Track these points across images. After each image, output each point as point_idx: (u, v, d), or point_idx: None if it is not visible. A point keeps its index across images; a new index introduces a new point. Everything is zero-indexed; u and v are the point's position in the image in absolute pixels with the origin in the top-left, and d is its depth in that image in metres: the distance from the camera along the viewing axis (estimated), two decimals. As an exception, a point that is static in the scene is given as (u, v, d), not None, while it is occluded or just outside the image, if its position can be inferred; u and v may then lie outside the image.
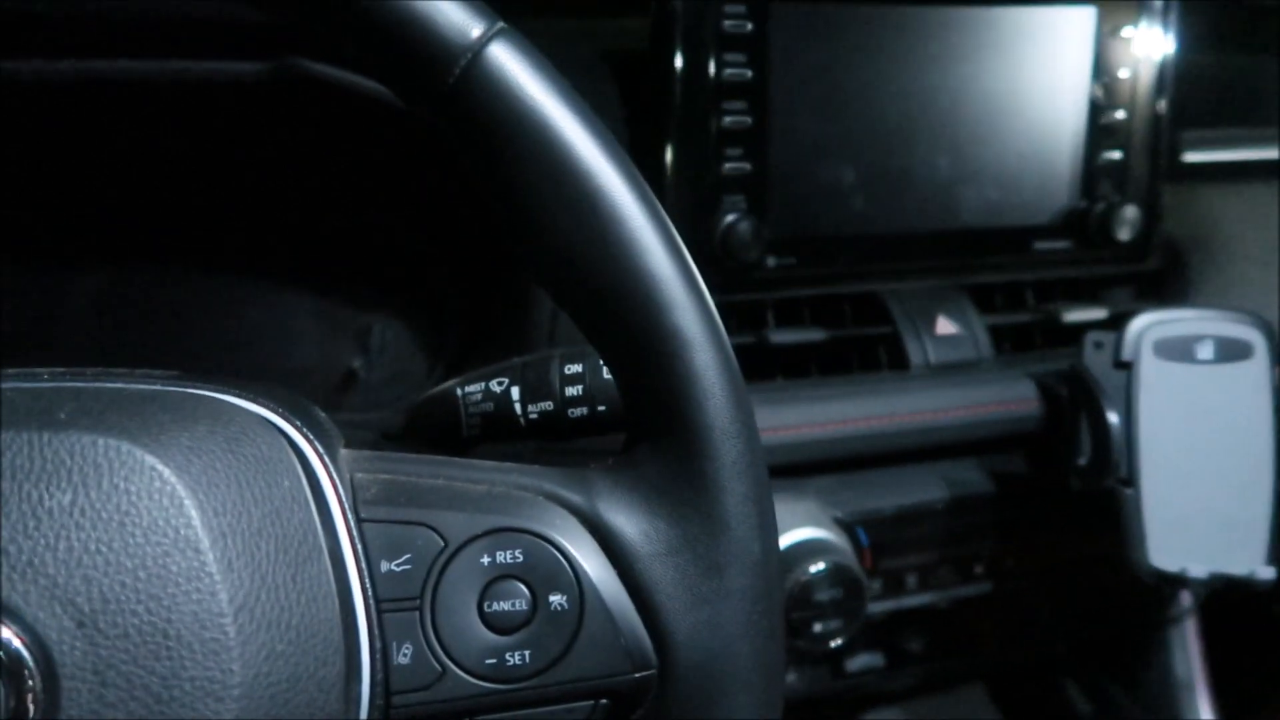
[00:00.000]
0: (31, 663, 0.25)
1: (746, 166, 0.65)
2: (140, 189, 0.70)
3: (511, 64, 0.31)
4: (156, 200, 0.71)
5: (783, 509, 0.62)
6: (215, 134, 0.67)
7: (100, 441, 0.27)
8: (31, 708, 0.25)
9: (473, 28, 0.30)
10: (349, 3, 0.30)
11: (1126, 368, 0.60)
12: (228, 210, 0.72)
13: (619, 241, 0.31)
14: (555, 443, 0.47)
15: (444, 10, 0.30)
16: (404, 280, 0.76)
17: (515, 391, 0.45)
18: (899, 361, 0.70)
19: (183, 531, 0.27)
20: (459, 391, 0.46)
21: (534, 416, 0.45)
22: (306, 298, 0.75)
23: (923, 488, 0.68)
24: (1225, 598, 0.70)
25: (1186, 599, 0.73)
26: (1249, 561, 0.58)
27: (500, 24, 0.31)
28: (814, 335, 0.69)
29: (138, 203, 0.70)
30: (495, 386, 0.45)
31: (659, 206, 0.32)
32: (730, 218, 0.65)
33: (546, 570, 0.31)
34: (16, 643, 0.25)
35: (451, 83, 0.30)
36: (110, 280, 0.71)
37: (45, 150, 0.65)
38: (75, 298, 0.71)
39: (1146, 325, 0.60)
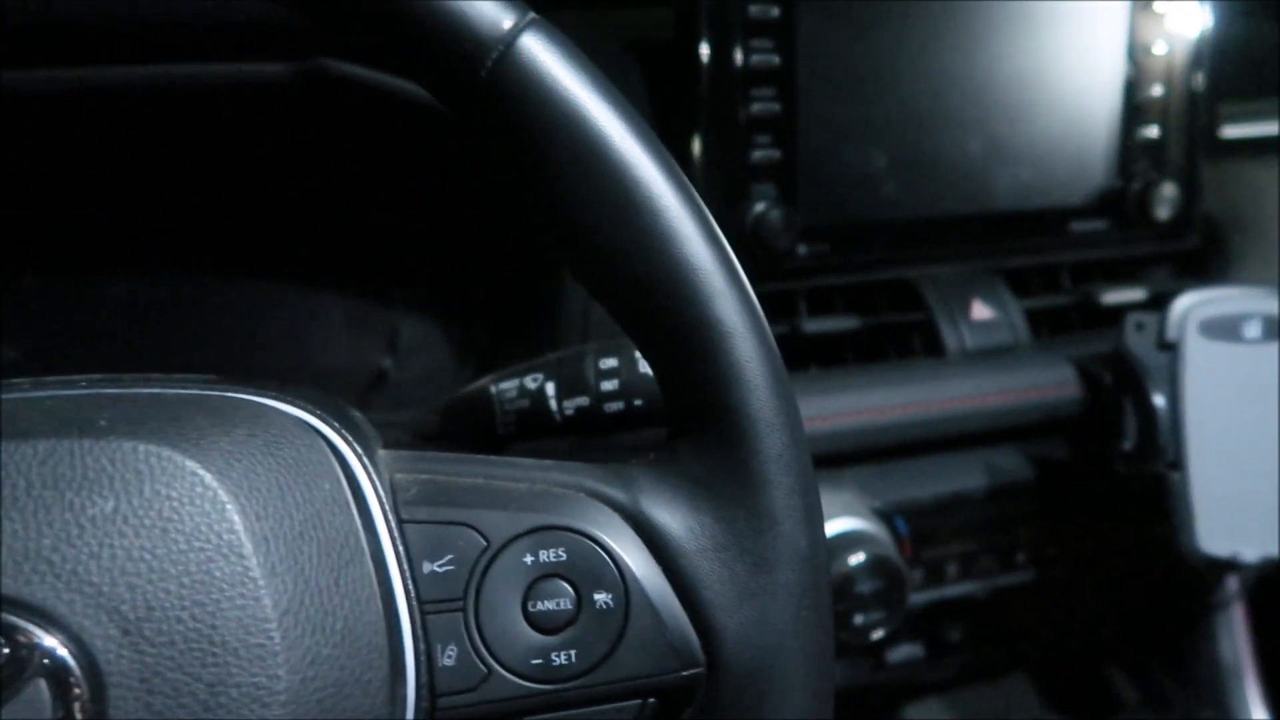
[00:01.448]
0: (78, 671, 0.25)
1: (776, 154, 0.65)
2: (168, 194, 0.70)
3: (544, 55, 0.30)
4: (185, 205, 0.71)
5: (820, 500, 0.62)
6: (242, 137, 0.67)
7: (141, 448, 0.27)
8: (79, 715, 0.25)
9: (504, 19, 0.30)
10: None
11: (1171, 348, 0.59)
12: (256, 213, 0.72)
13: (657, 232, 0.30)
14: (592, 438, 0.46)
15: (475, 3, 0.30)
16: (432, 279, 0.76)
17: (550, 388, 0.45)
18: (934, 348, 0.69)
19: (225, 537, 0.27)
20: (493, 389, 0.46)
21: (570, 412, 0.44)
22: (335, 299, 0.75)
23: (962, 475, 0.67)
24: (1274, 582, 0.69)
25: (1234, 584, 0.72)
26: (1302, 545, 0.57)
27: (531, 15, 0.31)
28: (848, 323, 0.68)
29: (166, 208, 0.70)
30: (530, 383, 0.45)
31: (696, 196, 0.32)
32: (760, 206, 0.64)
33: (590, 568, 0.31)
34: (63, 651, 0.25)
35: (484, 76, 0.30)
36: (140, 286, 0.71)
37: (72, 157, 0.65)
38: (106, 304, 0.71)
39: (1191, 305, 0.59)
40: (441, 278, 0.76)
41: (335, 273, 0.75)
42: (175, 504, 0.27)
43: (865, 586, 0.57)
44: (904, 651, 0.71)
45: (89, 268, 0.71)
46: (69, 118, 0.62)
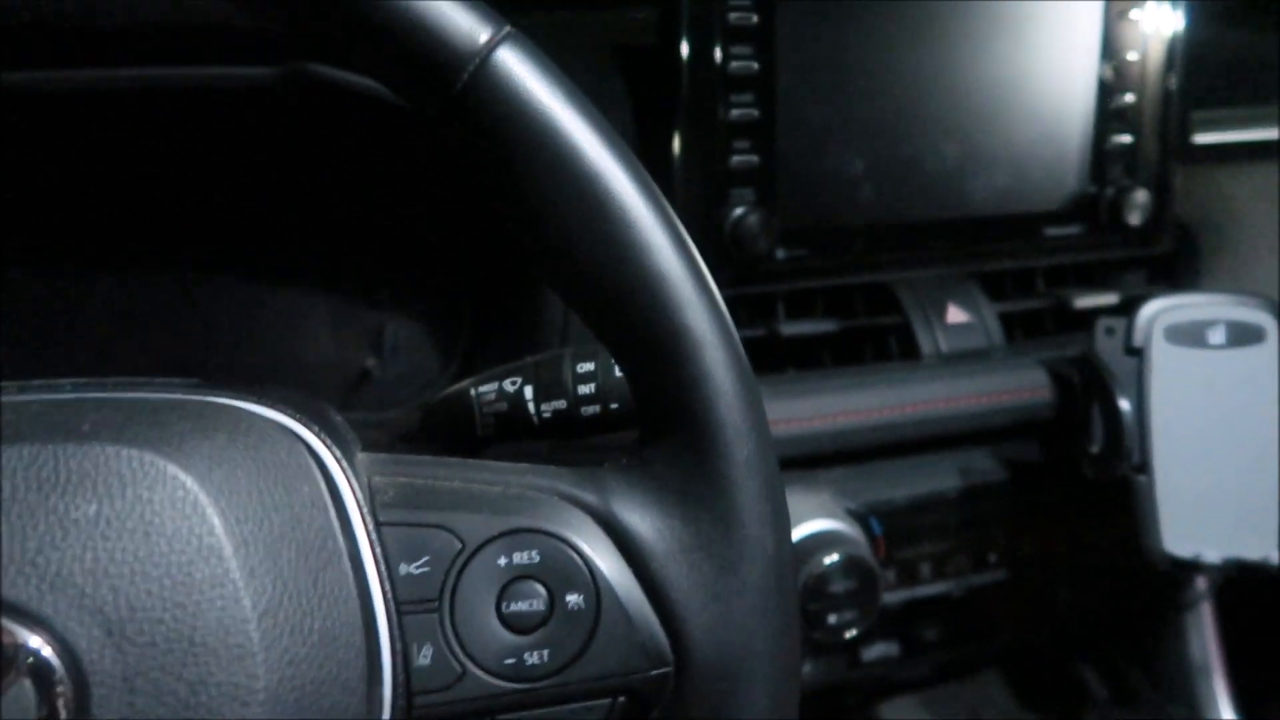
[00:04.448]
0: (62, 670, 0.26)
1: (755, 159, 0.65)
2: (154, 193, 0.70)
3: (519, 68, 0.31)
4: (171, 204, 0.71)
5: (795, 501, 0.63)
6: (227, 138, 0.68)
7: (124, 452, 0.28)
8: (64, 714, 0.26)
9: (480, 33, 0.30)
10: (354, 9, 0.30)
11: (1138, 354, 0.60)
12: (242, 213, 0.72)
13: (628, 243, 0.31)
14: (569, 440, 0.47)
15: (451, 15, 0.30)
16: (417, 279, 0.76)
17: (528, 391, 0.45)
18: (910, 351, 0.70)
19: (205, 540, 0.27)
20: (473, 392, 0.47)
21: (547, 415, 0.45)
22: (320, 298, 0.75)
23: (935, 477, 0.68)
24: (1242, 582, 0.70)
25: (1202, 584, 0.73)
26: (1263, 546, 0.58)
27: (508, 28, 0.31)
28: (825, 326, 0.69)
29: (152, 207, 0.71)
30: (509, 386, 0.46)
31: (668, 207, 0.32)
32: (739, 210, 0.65)
33: (563, 570, 0.32)
34: (47, 650, 0.26)
35: (459, 88, 0.30)
36: (126, 285, 0.72)
37: (59, 157, 0.65)
38: (92, 302, 0.72)
39: (1157, 311, 0.60)
40: (426, 278, 0.77)
41: (321, 272, 0.75)
42: (157, 507, 0.27)
43: (838, 586, 0.58)
44: (879, 650, 0.72)
45: (75, 265, 0.71)
46: (58, 118, 0.62)
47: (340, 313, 0.75)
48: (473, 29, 0.30)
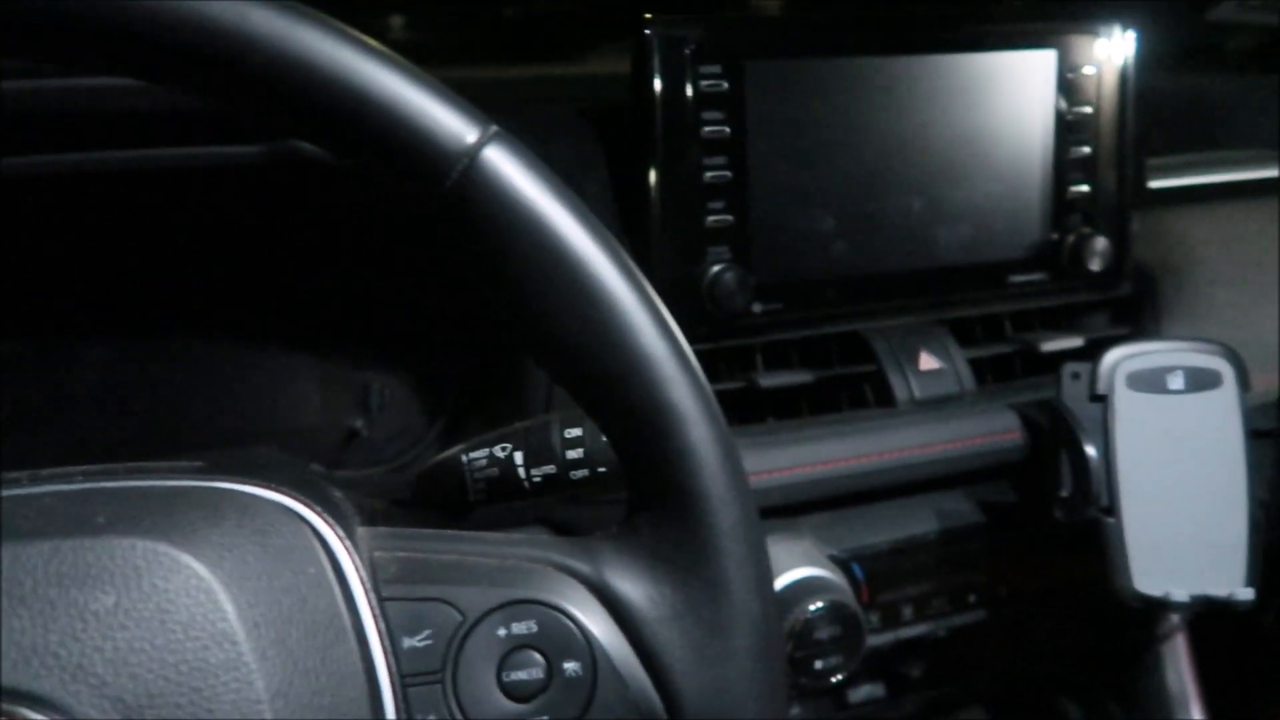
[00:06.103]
0: None
1: (729, 218, 0.68)
2: (142, 264, 0.72)
3: (507, 167, 0.33)
4: (158, 273, 0.72)
5: (779, 549, 0.64)
6: (214, 210, 0.69)
7: (138, 544, 0.29)
8: (85, 800, 0.27)
9: (468, 134, 0.32)
10: (346, 109, 0.32)
11: (1102, 400, 0.62)
12: (229, 279, 0.74)
13: (616, 328, 0.33)
14: (559, 500, 0.49)
15: (440, 119, 0.32)
16: (403, 340, 0.78)
17: (519, 456, 0.47)
18: (885, 398, 0.73)
19: (219, 625, 0.29)
20: (464, 458, 0.48)
21: (538, 479, 0.47)
22: (308, 361, 0.77)
23: (914, 521, 0.70)
24: (1217, 614, 0.72)
25: (1175, 617, 0.75)
26: (1229, 583, 0.60)
27: (494, 127, 0.33)
28: (802, 377, 0.71)
29: (140, 277, 0.72)
30: (499, 452, 0.47)
31: (651, 291, 0.34)
32: (716, 268, 0.67)
33: (560, 639, 0.33)
34: (70, 739, 0.27)
35: (449, 186, 0.32)
36: (116, 354, 0.73)
37: (48, 234, 0.67)
38: (82, 372, 0.73)
39: (1119, 359, 0.62)
40: (412, 338, 0.78)
41: (308, 335, 0.77)
42: (172, 596, 0.29)
43: (824, 632, 0.60)
44: (865, 691, 0.74)
45: (66, 339, 0.72)
46: (46, 199, 0.64)
47: (328, 374, 0.77)
48: (461, 130, 0.32)
